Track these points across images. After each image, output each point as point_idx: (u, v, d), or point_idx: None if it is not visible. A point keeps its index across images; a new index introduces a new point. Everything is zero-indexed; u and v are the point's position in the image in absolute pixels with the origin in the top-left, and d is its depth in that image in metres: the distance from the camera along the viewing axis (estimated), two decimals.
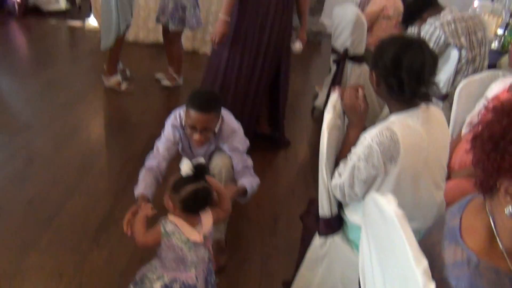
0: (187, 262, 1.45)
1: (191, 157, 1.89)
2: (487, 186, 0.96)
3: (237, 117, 2.03)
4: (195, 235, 1.43)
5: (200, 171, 1.45)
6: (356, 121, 1.50)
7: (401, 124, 1.34)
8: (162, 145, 1.90)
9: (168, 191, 1.43)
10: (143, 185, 1.72)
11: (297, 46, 2.81)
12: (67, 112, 3.03)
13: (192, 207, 1.43)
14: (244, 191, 1.86)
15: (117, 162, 2.59)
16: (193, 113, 1.71)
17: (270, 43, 2.63)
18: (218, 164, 1.90)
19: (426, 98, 1.37)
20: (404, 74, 1.31)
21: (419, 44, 1.35)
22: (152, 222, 1.47)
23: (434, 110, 1.42)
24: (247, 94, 2.72)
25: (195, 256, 1.45)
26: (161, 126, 2.96)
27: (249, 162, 1.96)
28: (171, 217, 1.43)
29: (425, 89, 1.36)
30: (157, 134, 2.87)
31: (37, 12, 4.93)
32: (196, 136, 1.75)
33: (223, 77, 2.68)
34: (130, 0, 3.27)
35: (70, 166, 2.48)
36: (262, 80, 2.72)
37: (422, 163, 1.35)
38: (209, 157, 1.97)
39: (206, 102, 1.74)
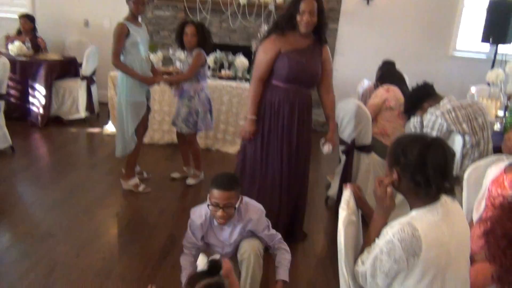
0: None
1: (218, 245, 2.09)
2: (505, 281, 0.98)
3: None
4: None
5: (214, 267, 1.57)
6: (382, 213, 1.55)
7: (422, 220, 1.40)
8: (190, 237, 2.13)
9: (184, 286, 1.51)
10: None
11: (326, 148, 2.88)
12: (87, 218, 3.12)
13: None
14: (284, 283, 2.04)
15: (136, 264, 2.61)
16: (215, 191, 1.94)
17: (291, 140, 2.76)
18: (247, 250, 2.03)
19: (451, 193, 1.44)
20: (431, 171, 1.39)
21: (438, 141, 1.45)
22: None
23: (452, 203, 1.48)
24: (272, 187, 2.82)
25: None
26: (178, 226, 3.07)
27: (278, 234, 2.15)
28: None
29: (448, 183, 1.43)
30: (175, 234, 2.97)
31: (58, 121, 5.25)
32: (219, 213, 1.95)
33: (251, 170, 2.85)
34: (140, 108, 3.48)
35: (91, 271, 2.50)
36: (284, 174, 2.80)
37: (445, 257, 1.38)
38: (237, 246, 2.10)
39: (227, 181, 1.97)
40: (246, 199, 2.10)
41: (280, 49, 2.63)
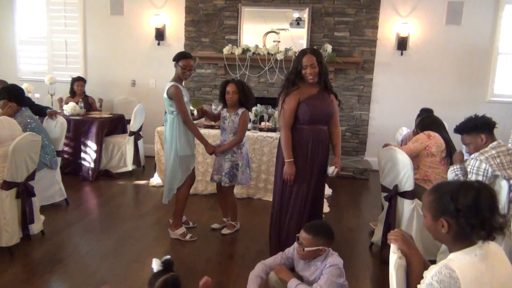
0: None
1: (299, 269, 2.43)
2: None
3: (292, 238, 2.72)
4: None
5: (168, 264, 1.88)
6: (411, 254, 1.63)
7: (459, 261, 1.45)
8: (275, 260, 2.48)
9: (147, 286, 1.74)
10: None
11: (331, 170, 3.17)
12: (139, 266, 3.24)
13: None
14: None
15: None
16: (302, 231, 2.32)
17: (313, 172, 3.15)
18: None
19: (501, 231, 1.49)
20: (486, 213, 1.45)
21: (483, 184, 1.53)
22: None
23: (492, 245, 1.52)
24: (300, 212, 3.17)
25: None
26: (226, 273, 3.14)
27: None
28: None
29: (498, 221, 1.48)
30: (221, 281, 3.02)
31: (107, 175, 5.52)
32: (297, 247, 2.34)
33: (286, 203, 3.21)
34: (190, 161, 3.69)
35: None
36: (309, 205, 3.18)
37: None
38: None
39: (314, 226, 2.35)
40: (332, 252, 2.36)
41: (299, 98, 3.09)
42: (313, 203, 3.21)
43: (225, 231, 3.88)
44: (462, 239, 1.50)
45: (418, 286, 1.49)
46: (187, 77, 3.63)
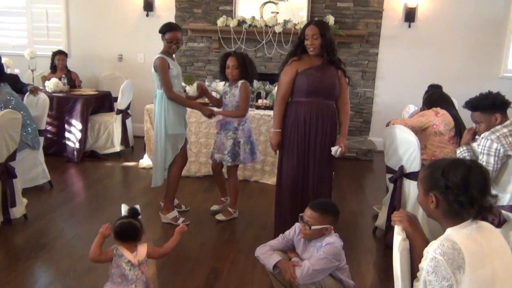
0: (128, 279, 2.09)
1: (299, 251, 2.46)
2: None
3: (294, 214, 2.89)
4: (132, 258, 2.10)
5: (132, 212, 2.19)
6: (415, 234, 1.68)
7: (457, 234, 1.50)
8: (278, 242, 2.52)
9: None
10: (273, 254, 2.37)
11: (334, 150, 3.19)
12: None
13: (119, 236, 2.12)
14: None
15: None
16: (307, 208, 2.38)
17: (315, 148, 3.21)
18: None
19: (490, 211, 1.55)
20: (474, 191, 1.51)
21: (476, 163, 1.60)
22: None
23: (483, 222, 1.58)
24: (298, 192, 3.27)
25: (134, 275, 2.10)
26: (221, 259, 3.18)
27: (322, 264, 2.30)
28: (119, 245, 2.12)
29: (489, 202, 1.54)
30: (216, 267, 3.05)
31: (93, 156, 5.52)
32: (301, 226, 2.39)
33: (280, 178, 3.34)
34: (180, 140, 3.68)
35: None
36: (309, 180, 3.25)
37: (490, 271, 1.45)
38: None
39: (320, 204, 2.39)
40: (333, 233, 2.39)
41: (297, 69, 3.17)
42: (317, 182, 3.24)
43: (220, 217, 3.86)
44: (452, 215, 1.56)
45: (420, 264, 1.52)
46: (174, 51, 3.59)
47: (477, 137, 3.04)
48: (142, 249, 2.15)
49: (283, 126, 3.27)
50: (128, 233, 2.12)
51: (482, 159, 2.79)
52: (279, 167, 3.38)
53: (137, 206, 2.19)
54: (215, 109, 3.81)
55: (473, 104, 2.99)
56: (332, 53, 3.16)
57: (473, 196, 1.51)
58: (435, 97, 3.65)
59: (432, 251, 1.46)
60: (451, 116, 3.46)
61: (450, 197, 1.53)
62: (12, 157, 3.53)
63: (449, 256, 1.42)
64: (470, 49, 6.03)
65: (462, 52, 6.04)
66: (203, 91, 3.93)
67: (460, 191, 1.52)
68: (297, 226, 2.47)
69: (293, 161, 3.25)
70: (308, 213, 2.35)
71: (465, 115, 3.30)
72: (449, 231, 1.54)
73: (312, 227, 2.32)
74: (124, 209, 2.19)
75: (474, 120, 3.02)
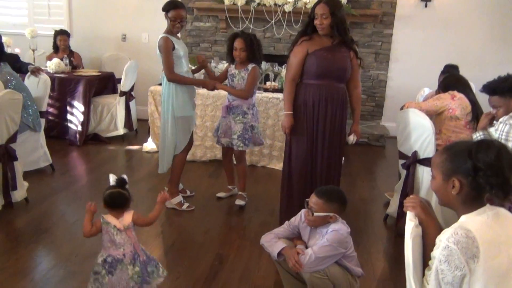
0: (116, 243, 2.27)
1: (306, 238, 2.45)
2: None
3: (301, 200, 2.84)
4: (117, 223, 2.27)
5: (120, 182, 2.34)
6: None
7: (473, 222, 1.47)
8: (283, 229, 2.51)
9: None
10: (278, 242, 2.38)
11: (351, 138, 3.26)
12: None
13: (109, 204, 2.29)
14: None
15: (184, 285, 2.72)
16: (312, 195, 2.36)
17: (324, 131, 3.19)
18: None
19: None
20: (507, 171, 1.48)
21: (498, 142, 1.57)
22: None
23: (500, 209, 1.54)
24: (306, 178, 3.27)
25: (121, 239, 2.27)
26: (226, 245, 3.19)
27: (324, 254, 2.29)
28: (107, 214, 2.30)
29: None
30: (221, 254, 3.06)
31: (96, 139, 5.54)
32: (305, 212, 2.41)
33: (289, 162, 3.32)
34: (189, 123, 3.68)
35: None
36: (318, 165, 3.25)
37: (506, 260, 1.42)
38: None
39: (325, 191, 2.38)
40: (339, 220, 2.37)
41: (307, 50, 3.13)
42: (326, 167, 3.24)
43: (239, 202, 3.83)
44: (472, 200, 1.52)
45: (432, 253, 1.50)
46: (178, 30, 3.56)
47: (495, 122, 2.99)
48: (128, 216, 2.33)
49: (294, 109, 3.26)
50: (117, 202, 2.31)
51: None
52: (286, 151, 3.36)
53: (125, 176, 2.37)
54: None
55: (491, 88, 2.94)
56: (344, 32, 3.10)
57: (505, 176, 1.46)
58: (452, 80, 3.60)
59: (445, 240, 1.44)
60: (468, 100, 3.41)
61: (480, 180, 1.48)
62: (12, 139, 3.54)
63: (462, 245, 1.40)
64: (489, 31, 5.93)
65: (481, 34, 5.95)
66: (203, 66, 3.88)
67: (493, 172, 1.47)
68: (303, 212, 2.46)
69: (302, 145, 3.24)
70: (313, 199, 2.34)
71: (483, 100, 3.25)
72: (463, 218, 1.52)
73: (315, 214, 2.32)
74: (112, 178, 2.37)
75: (492, 104, 2.97)
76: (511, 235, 1.46)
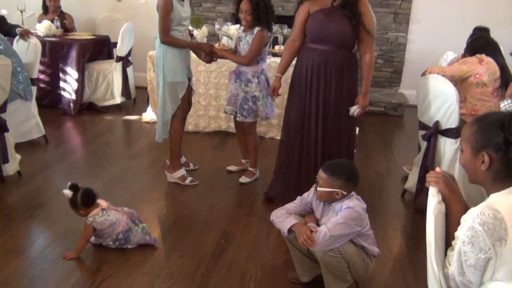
0: (115, 221, 2.79)
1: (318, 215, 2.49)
2: None
3: (295, 169, 3.30)
4: (103, 205, 2.84)
5: (74, 187, 2.79)
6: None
7: (502, 201, 1.45)
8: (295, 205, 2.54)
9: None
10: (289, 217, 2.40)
11: (353, 109, 3.20)
12: None
13: (87, 202, 2.78)
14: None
15: (189, 263, 2.76)
16: (320, 170, 2.40)
17: (318, 99, 3.21)
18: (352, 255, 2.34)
19: None
20: None
21: None
22: None
23: None
24: (302, 145, 3.33)
25: (113, 216, 2.80)
26: (232, 222, 3.22)
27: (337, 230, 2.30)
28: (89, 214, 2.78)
29: None
30: (227, 231, 3.10)
31: (92, 108, 5.55)
32: (313, 188, 2.45)
33: (283, 128, 3.48)
34: (177, 90, 3.63)
35: (140, 269, 2.68)
36: (312, 135, 3.27)
37: None
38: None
39: (332, 166, 2.39)
40: (354, 195, 2.40)
41: (309, 10, 3.16)
42: (322, 137, 3.26)
43: (243, 179, 3.88)
44: (503, 178, 1.50)
45: (456, 233, 1.50)
46: None
47: None
48: (102, 201, 2.85)
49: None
50: (92, 195, 2.81)
51: None
52: (284, 116, 3.47)
53: (74, 182, 2.83)
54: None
55: None
56: None
57: None
58: (480, 43, 3.54)
59: (470, 220, 1.43)
60: (497, 65, 3.37)
61: (510, 154, 1.46)
62: (2, 108, 3.56)
63: (489, 226, 1.39)
64: None
65: None
66: (210, 57, 3.75)
67: None
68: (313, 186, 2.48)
69: (294, 111, 3.31)
70: (319, 173, 2.38)
71: None
72: (493, 197, 1.50)
73: (318, 189, 2.36)
74: (67, 192, 2.78)
75: None
76: None
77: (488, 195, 1.53)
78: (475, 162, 1.54)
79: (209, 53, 3.68)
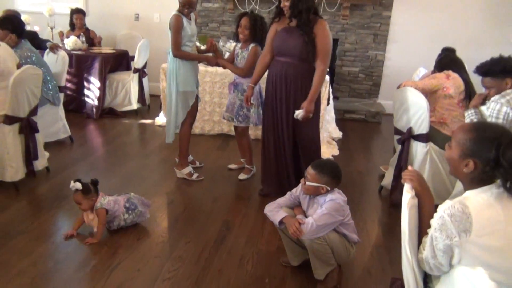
0: (117, 198, 2.89)
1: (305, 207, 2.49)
2: None
3: (274, 170, 3.42)
4: (102, 194, 2.85)
5: (78, 180, 2.77)
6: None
7: (474, 199, 1.45)
8: (285, 199, 2.54)
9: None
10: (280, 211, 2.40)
11: (297, 112, 3.14)
12: None
13: (95, 186, 2.84)
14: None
15: (194, 248, 2.75)
16: (309, 167, 2.41)
17: (281, 106, 3.24)
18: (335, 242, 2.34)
19: None
20: None
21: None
22: None
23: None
24: (276, 147, 3.38)
25: (110, 197, 2.87)
26: (233, 213, 3.21)
27: (323, 222, 2.29)
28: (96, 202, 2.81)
29: None
30: (228, 220, 3.09)
31: (111, 113, 5.53)
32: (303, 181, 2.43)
33: (263, 129, 3.49)
34: (188, 98, 3.62)
35: (152, 253, 2.67)
36: (285, 138, 3.32)
37: (502, 237, 1.40)
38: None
39: (319, 164, 2.41)
40: (338, 191, 2.40)
41: (276, 29, 3.24)
42: (292, 141, 3.32)
43: (242, 176, 3.86)
44: (479, 181, 1.49)
45: (431, 221, 1.50)
46: (187, 14, 3.49)
47: (487, 101, 2.96)
48: (100, 194, 2.88)
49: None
50: (95, 182, 2.87)
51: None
52: (262, 120, 3.54)
53: (79, 178, 2.81)
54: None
55: (484, 69, 2.89)
56: (301, 15, 3.02)
57: None
58: (447, 61, 3.54)
59: (441, 210, 1.44)
60: (462, 80, 3.36)
61: (497, 173, 1.43)
62: (34, 112, 3.53)
63: (456, 218, 1.39)
64: (483, 12, 5.80)
65: (476, 16, 5.82)
66: (212, 47, 3.77)
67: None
68: (302, 180, 2.47)
69: (267, 117, 3.37)
70: (308, 170, 2.39)
71: (476, 81, 3.20)
72: (467, 193, 1.48)
73: (307, 183, 2.36)
74: (76, 184, 2.75)
75: (485, 85, 2.93)
76: (510, 214, 1.42)
77: (465, 189, 1.52)
78: (460, 162, 1.52)
79: (214, 65, 3.75)
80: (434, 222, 1.46)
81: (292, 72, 3.16)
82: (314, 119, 3.24)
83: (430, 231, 1.48)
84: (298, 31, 3.08)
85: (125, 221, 2.87)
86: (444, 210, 1.42)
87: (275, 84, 3.23)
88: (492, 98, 2.81)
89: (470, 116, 2.98)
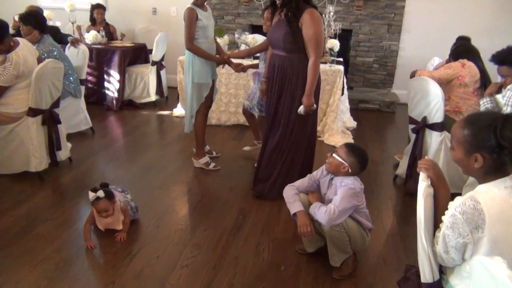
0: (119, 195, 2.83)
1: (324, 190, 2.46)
2: None
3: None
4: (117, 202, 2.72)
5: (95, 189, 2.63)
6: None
7: (486, 193, 1.38)
8: (304, 182, 2.50)
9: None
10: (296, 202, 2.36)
11: (299, 108, 3.01)
12: (164, 193, 3.31)
13: (110, 194, 2.67)
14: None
15: (212, 235, 2.75)
16: (343, 145, 2.42)
17: (273, 97, 3.12)
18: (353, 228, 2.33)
19: None
20: None
21: None
22: None
23: None
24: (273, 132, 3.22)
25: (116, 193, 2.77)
26: (248, 201, 3.19)
27: (342, 206, 2.26)
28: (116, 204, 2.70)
29: None
30: (245, 209, 3.07)
31: (131, 105, 5.55)
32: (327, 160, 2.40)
33: (265, 119, 3.37)
34: (202, 90, 3.59)
35: (170, 240, 2.67)
36: (282, 128, 3.14)
37: None
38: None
39: (346, 147, 2.39)
40: (355, 178, 2.37)
41: (272, 22, 3.15)
42: (294, 128, 3.12)
43: (246, 148, 4.01)
44: (494, 171, 1.43)
45: (443, 217, 1.46)
46: (202, 2, 3.45)
47: (503, 89, 2.88)
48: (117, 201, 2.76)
49: None
50: (106, 185, 2.73)
51: (506, 111, 2.65)
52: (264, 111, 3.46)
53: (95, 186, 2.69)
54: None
55: (500, 58, 2.81)
56: (290, 3, 2.85)
57: None
58: (462, 49, 3.44)
59: (453, 208, 1.39)
60: (477, 68, 3.27)
61: (504, 157, 1.37)
62: (56, 104, 3.55)
63: (468, 216, 1.34)
64: (498, 1, 5.63)
65: (490, 4, 5.66)
66: (227, 60, 3.67)
67: None
68: (324, 167, 2.45)
69: (267, 107, 3.26)
70: (341, 146, 2.39)
71: (493, 68, 3.11)
72: (479, 187, 1.43)
73: (334, 155, 2.34)
74: (99, 193, 2.60)
75: (501, 73, 2.85)
76: None
77: (479, 183, 1.47)
78: (468, 160, 1.46)
79: (224, 66, 3.74)
80: (446, 220, 1.42)
81: (280, 64, 3.02)
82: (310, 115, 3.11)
83: (442, 228, 1.44)
84: (285, 22, 2.93)
85: (134, 215, 2.91)
86: (456, 207, 1.37)
87: (273, 76, 3.11)
88: (508, 87, 2.74)
89: (485, 104, 2.90)
